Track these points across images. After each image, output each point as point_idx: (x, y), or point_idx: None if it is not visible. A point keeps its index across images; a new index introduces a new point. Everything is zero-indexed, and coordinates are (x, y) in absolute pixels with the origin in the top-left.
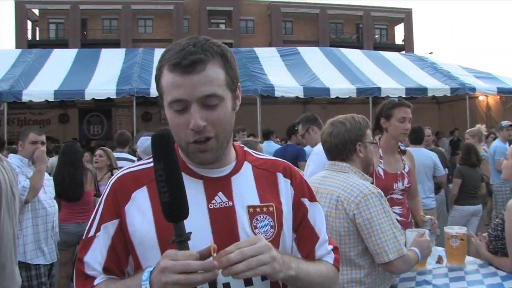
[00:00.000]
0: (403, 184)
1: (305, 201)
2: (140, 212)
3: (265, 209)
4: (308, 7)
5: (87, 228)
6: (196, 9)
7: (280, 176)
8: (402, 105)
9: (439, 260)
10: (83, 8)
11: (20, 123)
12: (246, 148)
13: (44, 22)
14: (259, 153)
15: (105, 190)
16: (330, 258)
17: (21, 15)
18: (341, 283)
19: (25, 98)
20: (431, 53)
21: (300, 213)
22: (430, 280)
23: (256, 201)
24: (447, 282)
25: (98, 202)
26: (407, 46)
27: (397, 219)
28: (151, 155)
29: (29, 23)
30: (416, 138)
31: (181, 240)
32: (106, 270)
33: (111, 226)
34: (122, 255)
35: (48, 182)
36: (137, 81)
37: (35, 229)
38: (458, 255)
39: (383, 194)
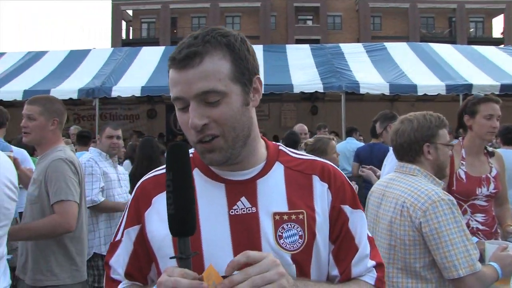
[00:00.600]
0: (488, 190)
1: (346, 208)
2: (159, 218)
3: (293, 216)
4: (398, 1)
5: (115, 231)
6: (283, 6)
7: (316, 179)
8: (489, 101)
9: None
10: (172, 7)
11: (112, 118)
12: (282, 147)
13: (137, 22)
14: (298, 152)
15: (131, 195)
16: (370, 278)
17: (117, 16)
18: None
19: (114, 93)
20: None
21: (339, 221)
22: None
23: (284, 208)
24: None
25: (126, 207)
26: (506, 40)
27: (478, 228)
28: None
29: (124, 23)
30: (507, 138)
31: (181, 257)
32: (128, 275)
33: (132, 232)
34: (143, 261)
35: (124, 177)
36: None
37: (108, 223)
38: None
39: (455, 202)
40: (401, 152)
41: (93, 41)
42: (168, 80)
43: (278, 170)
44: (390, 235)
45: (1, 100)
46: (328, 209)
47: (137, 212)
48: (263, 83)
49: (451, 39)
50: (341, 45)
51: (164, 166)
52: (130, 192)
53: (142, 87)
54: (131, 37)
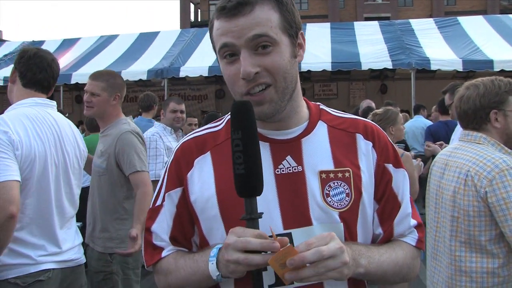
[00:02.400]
0: None
1: (390, 167)
2: (201, 179)
3: (340, 174)
4: None
5: (154, 197)
6: None
7: (360, 137)
8: None
9: None
10: None
11: (181, 98)
12: (322, 106)
13: (205, 4)
14: (339, 111)
15: (170, 157)
16: (411, 239)
17: None
18: (470, 272)
19: (182, 74)
20: None
21: (384, 180)
22: None
23: (330, 166)
24: None
25: (164, 170)
26: None
27: None
28: (215, 121)
29: (192, 6)
30: None
31: (251, 218)
32: (173, 239)
33: (174, 195)
34: (187, 224)
35: None
36: None
37: None
38: None
39: None
40: (465, 120)
41: (162, 23)
42: (214, 32)
43: (321, 128)
44: (453, 206)
45: (77, 82)
46: (374, 168)
47: (178, 174)
48: (330, 61)
49: None
50: (411, 20)
51: (206, 126)
52: None
53: (209, 67)
54: (199, 19)
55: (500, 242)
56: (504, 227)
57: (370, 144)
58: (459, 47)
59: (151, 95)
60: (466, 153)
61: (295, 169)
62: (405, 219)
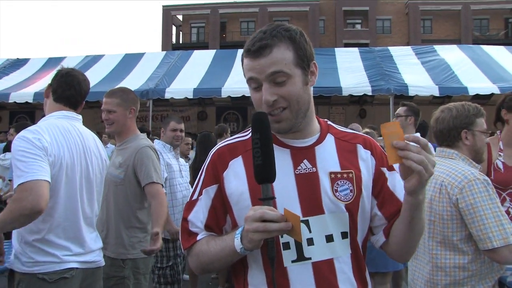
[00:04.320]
0: None
1: (385, 170)
2: (236, 177)
3: (345, 175)
4: (450, 3)
5: (191, 193)
6: (332, 10)
7: (360, 147)
8: None
9: None
10: (222, 12)
11: (162, 119)
12: (330, 122)
13: (187, 26)
14: (342, 127)
15: (206, 160)
16: None
17: (167, 20)
18: (444, 267)
19: (167, 95)
20: None
21: (380, 181)
22: None
23: (337, 168)
24: None
25: (200, 171)
26: None
27: None
28: (244, 130)
29: (174, 28)
30: None
31: (265, 198)
32: (207, 227)
33: (211, 190)
34: (220, 214)
35: (185, 168)
36: None
37: (171, 210)
38: None
39: (490, 182)
40: (441, 138)
41: (144, 45)
42: (243, 65)
43: (330, 139)
44: (430, 211)
45: None
46: (373, 170)
47: (215, 173)
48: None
49: (507, 41)
50: (390, 48)
51: (235, 136)
52: (191, 183)
53: (194, 89)
54: (181, 42)
55: (469, 241)
56: (472, 228)
57: (369, 152)
58: (436, 73)
59: None
60: (441, 167)
61: (310, 170)
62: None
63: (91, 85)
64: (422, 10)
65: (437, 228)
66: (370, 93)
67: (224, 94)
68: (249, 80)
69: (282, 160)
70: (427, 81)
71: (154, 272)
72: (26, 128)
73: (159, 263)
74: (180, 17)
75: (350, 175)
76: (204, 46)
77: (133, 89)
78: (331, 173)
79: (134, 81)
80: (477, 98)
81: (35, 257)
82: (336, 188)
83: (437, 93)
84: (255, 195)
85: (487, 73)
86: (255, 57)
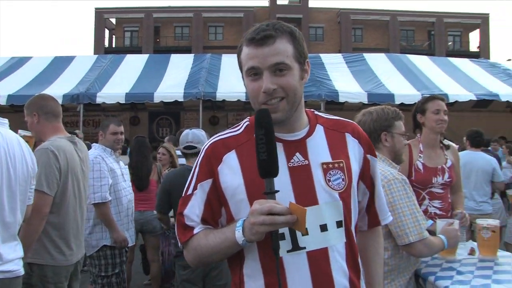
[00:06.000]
0: (443, 179)
1: (369, 156)
2: (231, 171)
3: (336, 165)
4: (379, 14)
5: (185, 188)
6: (266, 17)
7: (349, 136)
8: (434, 99)
9: (471, 252)
10: (156, 16)
11: (94, 124)
12: (316, 112)
13: (120, 30)
14: (328, 114)
15: (199, 156)
16: (388, 218)
17: (100, 24)
18: None
19: (99, 100)
20: (509, 60)
21: (366, 165)
22: (456, 267)
23: (328, 159)
24: (472, 270)
25: (193, 167)
26: (482, 53)
27: (436, 213)
28: (232, 127)
29: (107, 32)
30: (479, 141)
31: (270, 192)
32: (203, 220)
33: (206, 185)
34: (216, 208)
35: (126, 171)
36: (204, 85)
37: (117, 216)
38: (489, 246)
39: (407, 181)
40: None
41: (75, 49)
42: (242, 55)
43: (320, 130)
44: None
45: None
46: (361, 158)
47: (209, 168)
48: (244, 91)
49: (430, 52)
50: (321, 55)
51: (227, 130)
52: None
53: (126, 93)
54: (114, 46)
55: (389, 238)
56: (390, 225)
57: (357, 141)
58: (365, 81)
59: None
60: None
61: (303, 162)
62: (381, 194)
63: (17, 88)
64: (353, 19)
65: None
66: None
67: (156, 99)
68: (249, 70)
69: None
70: (356, 88)
71: (96, 282)
72: None
73: (103, 272)
74: (113, 20)
75: (341, 164)
76: (137, 50)
77: (62, 93)
78: (323, 163)
79: (63, 85)
80: (403, 105)
81: None
82: (329, 178)
83: (365, 100)
84: (251, 191)
85: (412, 82)
86: (259, 45)
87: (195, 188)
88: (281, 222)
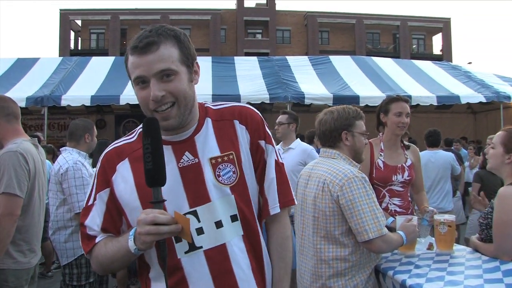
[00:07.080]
0: (402, 177)
1: (262, 143)
2: (124, 180)
3: (225, 158)
4: (345, 17)
5: (86, 198)
6: (233, 19)
7: (237, 123)
8: (398, 100)
9: (430, 247)
10: (122, 18)
11: (60, 127)
12: (207, 104)
13: (86, 32)
14: (219, 103)
15: (97, 166)
16: (276, 209)
17: (65, 25)
18: (327, 260)
19: (64, 102)
20: (469, 63)
21: (258, 153)
22: (415, 261)
23: (216, 152)
24: (430, 263)
25: (93, 177)
26: (445, 56)
27: (396, 211)
28: (127, 134)
29: (72, 33)
30: (433, 141)
31: (157, 202)
32: (104, 230)
33: (104, 194)
34: (116, 216)
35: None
36: None
37: None
38: (446, 241)
39: (367, 179)
40: (324, 139)
41: (39, 50)
42: (129, 64)
43: (208, 124)
44: (314, 208)
45: None
46: (249, 146)
47: (105, 178)
48: (211, 93)
49: (395, 54)
50: (287, 57)
51: (122, 138)
52: None
53: (92, 96)
54: (79, 48)
55: (349, 235)
56: (351, 222)
57: (244, 128)
58: (330, 83)
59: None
60: (324, 166)
61: (193, 161)
62: (272, 181)
63: None
64: (319, 22)
65: (321, 223)
66: (268, 101)
67: (122, 102)
68: (136, 79)
69: (165, 157)
70: (322, 90)
71: None
72: None
73: (76, 281)
74: (79, 22)
75: (231, 156)
76: (104, 52)
77: (26, 96)
78: (211, 159)
79: (27, 87)
80: (368, 107)
81: None
82: (218, 173)
83: (331, 103)
84: (144, 197)
85: (377, 84)
86: (142, 53)
87: (94, 199)
88: (165, 232)
